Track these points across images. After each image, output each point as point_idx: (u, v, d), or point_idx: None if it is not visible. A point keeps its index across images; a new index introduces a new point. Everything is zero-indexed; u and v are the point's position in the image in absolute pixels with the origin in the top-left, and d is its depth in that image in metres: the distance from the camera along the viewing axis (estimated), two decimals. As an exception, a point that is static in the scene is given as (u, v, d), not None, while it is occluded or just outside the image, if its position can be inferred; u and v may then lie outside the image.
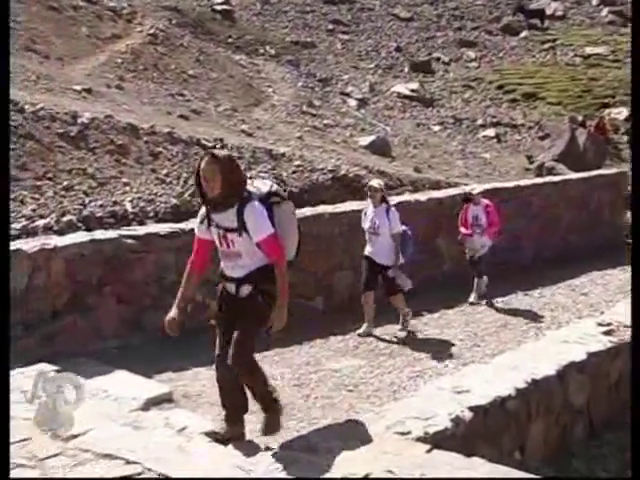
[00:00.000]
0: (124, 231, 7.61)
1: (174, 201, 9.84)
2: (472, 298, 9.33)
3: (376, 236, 7.86)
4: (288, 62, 20.30)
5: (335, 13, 25.55)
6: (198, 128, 12.41)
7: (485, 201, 9.55)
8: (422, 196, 10.94)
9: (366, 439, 4.33)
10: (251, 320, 4.40)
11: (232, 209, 4.21)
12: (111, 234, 7.41)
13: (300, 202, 10.60)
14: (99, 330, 6.91)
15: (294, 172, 11.82)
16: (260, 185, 4.41)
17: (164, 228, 7.90)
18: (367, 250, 7.99)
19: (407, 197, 10.94)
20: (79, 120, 10.59)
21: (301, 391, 6.22)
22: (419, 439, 4.32)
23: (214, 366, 4.67)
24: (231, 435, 4.54)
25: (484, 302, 9.29)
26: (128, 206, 9.51)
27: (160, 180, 10.41)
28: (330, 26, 24.56)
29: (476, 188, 9.99)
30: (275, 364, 6.85)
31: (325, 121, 16.85)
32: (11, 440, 4.11)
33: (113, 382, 5.63)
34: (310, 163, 12.24)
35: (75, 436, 4.26)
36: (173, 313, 4.62)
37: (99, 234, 7.45)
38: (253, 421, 4.90)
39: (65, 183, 9.41)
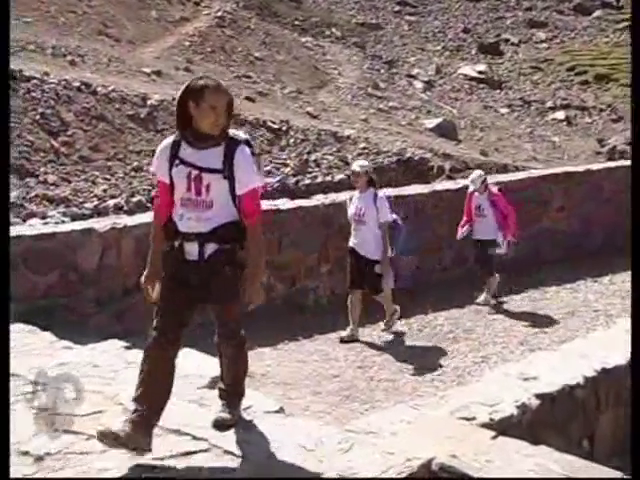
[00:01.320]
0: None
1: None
2: (481, 298, 8.41)
3: (361, 225, 7.07)
4: (354, 44, 20.15)
5: (402, -6, 25.21)
6: (264, 110, 12.45)
7: (493, 189, 8.66)
8: (489, 179, 10.74)
9: (430, 423, 4.29)
10: (228, 292, 3.72)
11: (219, 147, 3.52)
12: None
13: (365, 185, 10.56)
14: (166, 308, 7.01)
15: (359, 154, 11.76)
16: (233, 131, 3.68)
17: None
18: (351, 242, 7.20)
19: (473, 180, 10.75)
20: (148, 102, 10.75)
21: (364, 373, 6.21)
22: (484, 425, 4.25)
23: (148, 350, 3.95)
24: (135, 445, 3.71)
25: (493, 302, 8.43)
26: (194, 187, 9.63)
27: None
28: (397, 7, 24.26)
29: (481, 175, 8.74)
30: (338, 346, 6.86)
31: (390, 103, 16.69)
32: (84, 412, 4.23)
33: (180, 360, 5.72)
34: (375, 146, 12.15)
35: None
36: (149, 272, 3.89)
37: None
38: (316, 401, 4.92)
39: (135, 164, 9.58)
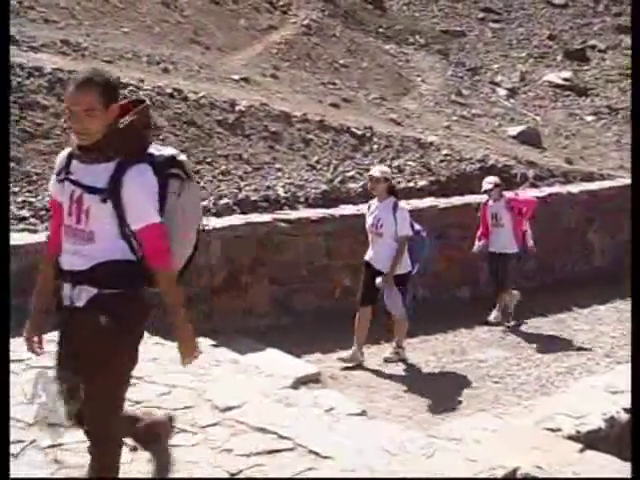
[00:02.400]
0: (277, 215, 7.80)
1: (324, 187, 9.95)
2: (492, 316, 7.68)
3: (378, 237, 6.36)
4: (437, 51, 19.96)
5: (486, 1, 24.82)
6: (348, 116, 12.46)
7: (508, 195, 7.96)
8: (574, 188, 10.47)
9: (514, 433, 4.20)
10: (93, 354, 2.76)
11: (109, 163, 2.71)
12: (265, 217, 7.62)
13: (448, 191, 10.45)
14: (252, 309, 7.13)
15: (442, 161, 11.63)
16: (160, 148, 2.89)
17: (315, 213, 8.04)
18: (368, 254, 6.48)
19: (558, 189, 10.52)
20: (236, 108, 10.90)
21: (446, 380, 6.14)
22: (570, 437, 4.14)
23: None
24: None
25: (509, 324, 7.65)
26: (280, 191, 9.72)
27: (311, 166, 10.56)
28: (481, 15, 23.90)
29: (494, 182, 8.07)
30: (419, 351, 6.81)
31: (473, 110, 16.45)
32: (175, 407, 4.33)
33: (265, 359, 5.81)
34: (458, 152, 12.00)
35: (231, 408, 4.41)
36: (28, 325, 3.14)
37: (254, 217, 7.69)
38: (397, 405, 4.89)
39: (222, 168, 9.74)
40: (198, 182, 9.40)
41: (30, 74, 8.96)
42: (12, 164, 7.89)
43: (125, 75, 10.17)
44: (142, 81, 10.16)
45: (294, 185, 9.83)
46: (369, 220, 6.47)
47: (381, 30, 19.27)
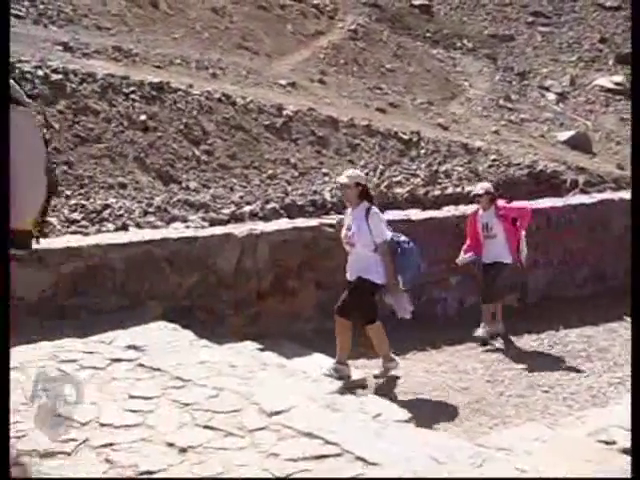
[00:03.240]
0: (324, 219, 7.80)
1: (370, 192, 9.92)
2: (479, 331, 7.16)
3: (351, 247, 5.98)
4: (485, 56, 19.77)
5: (536, 4, 24.49)
6: (395, 121, 12.42)
7: (500, 202, 7.46)
8: (626, 194, 10.23)
9: (566, 444, 4.10)
10: None
11: None
12: (312, 222, 7.61)
13: (496, 196, 10.31)
14: (298, 313, 7.13)
15: (490, 166, 11.51)
16: None
17: (362, 218, 7.99)
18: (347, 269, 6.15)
19: (609, 195, 10.30)
20: (284, 112, 10.95)
21: (494, 388, 6.05)
22: (625, 451, 4.02)
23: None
24: None
25: (496, 343, 7.10)
26: (327, 195, 9.72)
27: (357, 171, 10.54)
28: (530, 18, 23.59)
29: (485, 187, 7.62)
30: (467, 358, 6.73)
31: (522, 115, 16.24)
32: (223, 409, 4.35)
33: (311, 364, 5.80)
34: (506, 158, 11.86)
35: (279, 412, 4.41)
36: None
37: (300, 221, 7.70)
38: (444, 413, 4.83)
39: (270, 172, 9.79)
40: (244, 186, 9.47)
41: (83, 80, 9.14)
42: (64, 167, 8.06)
43: (175, 80, 10.30)
44: (191, 86, 10.28)
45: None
46: (343, 231, 6.09)
47: (428, 34, 19.16)
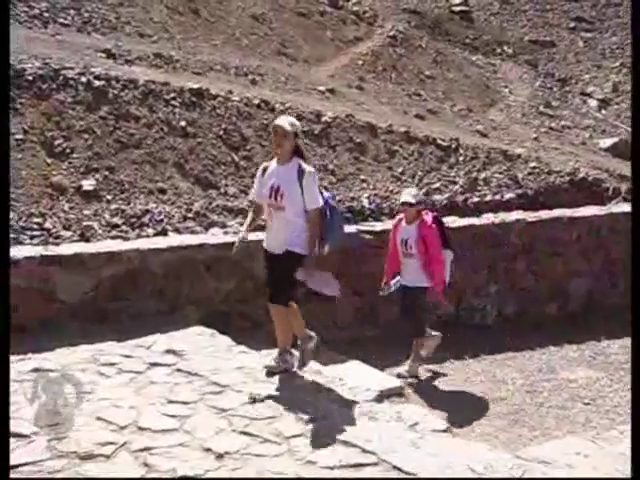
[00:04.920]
0: (362, 226, 7.77)
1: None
2: (404, 368, 6.31)
3: (279, 211, 4.81)
4: (526, 62, 19.55)
5: (577, 10, 24.18)
6: (434, 128, 12.34)
7: (427, 218, 6.22)
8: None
9: (609, 459, 4.01)
10: None
11: None
12: (350, 228, 7.59)
13: (536, 205, 10.18)
14: (335, 320, 7.11)
15: (530, 174, 11.36)
16: None
17: (400, 225, 7.96)
18: (264, 240, 5.06)
19: (653, 203, 10.06)
20: (322, 119, 10.96)
21: (534, 399, 5.95)
22: (669, 466, 3.92)
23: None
24: None
25: (412, 379, 6.23)
26: (365, 202, 9.69)
27: (396, 178, 10.50)
28: (572, 24, 23.28)
29: (413, 194, 6.34)
30: (506, 368, 6.64)
31: (563, 122, 16.02)
32: (261, 416, 4.34)
33: (348, 371, 5.77)
34: (547, 165, 11.69)
35: (316, 419, 4.40)
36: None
37: (338, 228, 7.67)
38: (482, 424, 4.75)
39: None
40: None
41: (125, 86, 9.25)
42: (106, 173, 8.16)
43: (214, 87, 10.38)
44: (231, 92, 10.35)
45: (379, 196, 9.79)
46: (263, 190, 4.86)
47: (468, 41, 19.03)
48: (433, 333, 6.42)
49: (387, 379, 5.85)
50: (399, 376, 6.10)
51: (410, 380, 6.18)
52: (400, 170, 10.67)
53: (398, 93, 14.13)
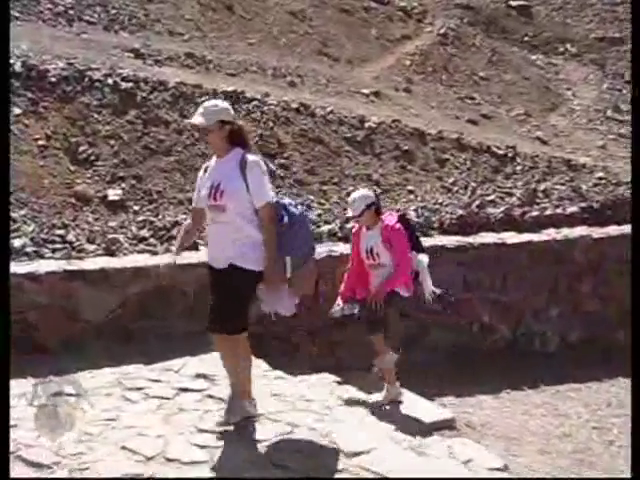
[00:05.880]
0: (409, 241, 7.75)
1: (460, 212, 9.81)
2: (378, 395, 5.84)
3: (218, 212, 4.32)
4: (591, 61, 19.38)
5: (649, 4, 23.97)
6: (488, 134, 12.28)
7: (389, 220, 5.82)
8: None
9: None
10: None
11: None
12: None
13: (602, 219, 10.04)
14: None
15: (595, 185, 11.21)
16: None
17: (452, 241, 7.95)
18: (208, 251, 4.60)
19: None
20: (366, 124, 10.98)
21: (602, 436, 5.85)
22: None
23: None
24: None
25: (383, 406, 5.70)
26: (412, 215, 9.65)
27: (446, 189, 10.45)
28: (643, 19, 23.05)
29: (365, 197, 5.84)
30: (569, 400, 6.55)
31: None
32: (297, 448, 4.33)
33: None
34: (615, 176, 11.53)
35: (358, 453, 4.38)
36: None
37: (383, 243, 7.67)
38: (543, 462, 4.69)
39: (350, 189, 9.80)
40: (322, 203, 9.52)
41: (154, 88, 9.39)
42: (133, 182, 8.28)
43: (250, 89, 10.48)
44: (267, 95, 10.44)
45: (427, 209, 9.75)
46: (202, 191, 4.41)
47: (527, 38, 18.92)
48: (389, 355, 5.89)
49: (437, 410, 5.81)
50: (373, 406, 5.57)
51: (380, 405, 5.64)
52: (451, 181, 10.63)
53: (449, 96, 14.10)
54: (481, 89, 14.84)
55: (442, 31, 16.73)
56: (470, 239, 8.00)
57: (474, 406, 6.35)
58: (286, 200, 4.47)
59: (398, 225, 5.80)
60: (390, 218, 5.88)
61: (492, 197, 10.44)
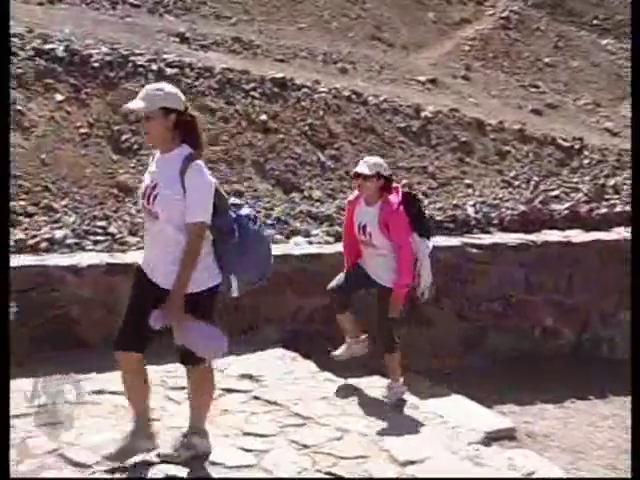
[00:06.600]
0: (467, 239, 7.72)
1: (522, 208, 9.71)
2: (338, 351, 5.74)
3: (151, 219, 3.89)
4: (666, 47, 19.06)
5: None
6: (553, 125, 12.12)
7: (392, 199, 5.37)
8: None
9: None
10: None
11: None
12: (454, 241, 7.55)
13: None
14: (435, 347, 7.07)
15: (670, 180, 11.01)
16: None
17: (513, 239, 7.88)
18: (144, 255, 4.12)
19: None
20: (422, 114, 10.92)
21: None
22: None
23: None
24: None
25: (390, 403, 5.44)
26: (470, 210, 9.58)
27: (507, 183, 10.35)
28: None
29: (374, 164, 5.47)
30: (639, 412, 6.42)
31: None
32: (348, 455, 4.35)
33: (449, 407, 5.73)
34: (691, 170, 11.30)
35: (412, 462, 4.37)
36: None
37: (439, 240, 7.63)
38: (620, 470, 4.61)
39: (404, 182, 9.77)
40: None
41: (199, 75, 9.48)
42: (177, 172, 8.36)
43: (299, 76, 10.51)
44: (317, 82, 10.45)
45: (486, 204, 9.67)
46: (143, 186, 3.97)
47: (596, 22, 18.61)
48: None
49: (496, 418, 5.77)
50: (335, 357, 5.58)
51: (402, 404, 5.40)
52: (512, 174, 10.52)
53: (511, 84, 13.95)
54: (546, 76, 14.65)
55: (504, 14, 16.55)
56: (533, 237, 7.92)
57: (536, 415, 6.28)
58: (243, 211, 4.00)
59: (400, 208, 5.35)
60: (393, 198, 5.40)
61: (556, 192, 10.31)
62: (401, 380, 5.59)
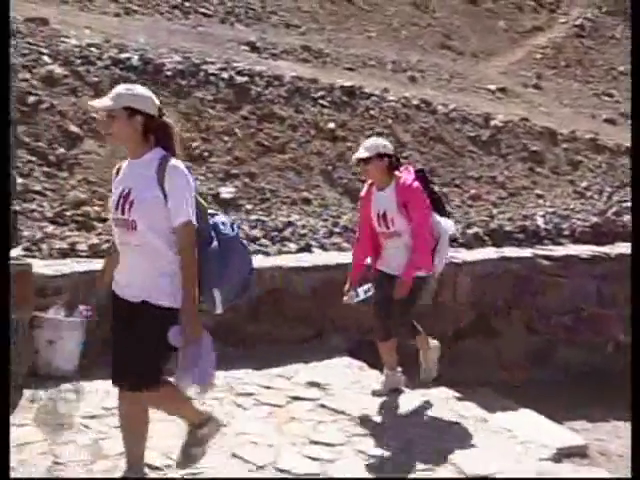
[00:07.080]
0: (538, 250, 7.60)
1: (594, 219, 9.55)
2: (379, 384, 5.41)
3: (127, 232, 3.48)
4: None
5: None
6: (628, 134, 11.88)
7: (404, 176, 4.97)
8: None
9: None
10: None
11: None
12: (524, 252, 7.45)
13: None
14: (503, 359, 6.98)
15: None
16: None
17: (585, 250, 7.74)
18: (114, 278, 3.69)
19: None
20: (492, 123, 10.84)
21: None
22: None
23: None
24: None
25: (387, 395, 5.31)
26: (540, 221, 9.46)
27: (579, 194, 10.19)
28: None
29: (382, 145, 4.99)
30: None
31: None
32: (413, 467, 4.31)
33: (518, 422, 5.62)
34: None
35: (481, 478, 4.32)
36: None
37: (510, 251, 7.56)
38: None
39: (473, 192, 9.70)
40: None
41: (269, 83, 9.57)
42: (246, 179, 8.45)
43: (368, 84, 10.53)
44: (386, 91, 10.45)
45: (557, 215, 9.53)
46: (114, 196, 3.57)
47: (673, 30, 18.29)
48: (432, 342, 5.40)
49: (567, 434, 5.65)
50: (374, 394, 5.26)
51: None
52: (584, 185, 10.35)
53: (584, 93, 13.75)
54: (620, 85, 14.39)
55: (578, 22, 16.33)
56: (606, 249, 7.76)
57: (609, 433, 6.14)
58: (218, 218, 3.67)
59: (416, 183, 4.94)
60: (406, 175, 4.99)
61: (630, 204, 10.10)
62: (399, 369, 5.46)
